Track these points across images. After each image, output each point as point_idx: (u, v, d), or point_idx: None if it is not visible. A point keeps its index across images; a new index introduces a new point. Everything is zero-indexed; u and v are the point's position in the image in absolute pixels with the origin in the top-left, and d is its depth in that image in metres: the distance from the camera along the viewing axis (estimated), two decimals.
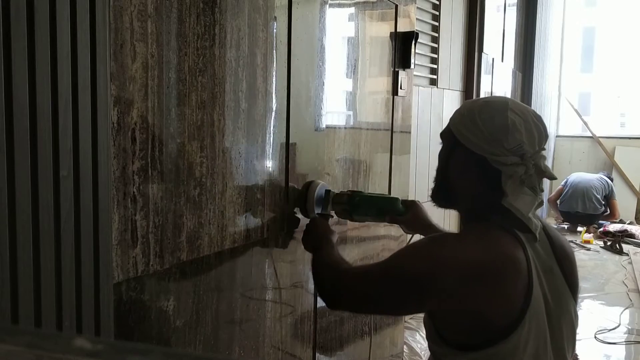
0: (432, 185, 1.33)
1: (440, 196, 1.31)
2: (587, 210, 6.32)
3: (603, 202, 6.43)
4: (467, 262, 1.12)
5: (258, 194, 1.41)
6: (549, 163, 7.45)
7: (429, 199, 1.34)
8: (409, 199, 1.72)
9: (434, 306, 1.18)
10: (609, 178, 6.74)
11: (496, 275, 1.12)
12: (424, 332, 1.32)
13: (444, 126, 1.29)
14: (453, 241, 1.19)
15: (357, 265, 1.30)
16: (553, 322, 1.18)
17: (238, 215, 1.33)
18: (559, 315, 1.19)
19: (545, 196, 7.01)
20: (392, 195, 1.61)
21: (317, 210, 1.60)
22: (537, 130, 1.17)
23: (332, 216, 1.64)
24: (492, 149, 1.15)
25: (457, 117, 1.24)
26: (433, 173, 1.32)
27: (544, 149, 1.19)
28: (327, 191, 1.63)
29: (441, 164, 1.29)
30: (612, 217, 6.55)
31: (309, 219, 1.57)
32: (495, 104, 1.20)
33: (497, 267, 1.12)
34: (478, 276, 1.11)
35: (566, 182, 6.67)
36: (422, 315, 1.30)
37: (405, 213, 1.59)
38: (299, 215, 1.60)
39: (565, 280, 1.23)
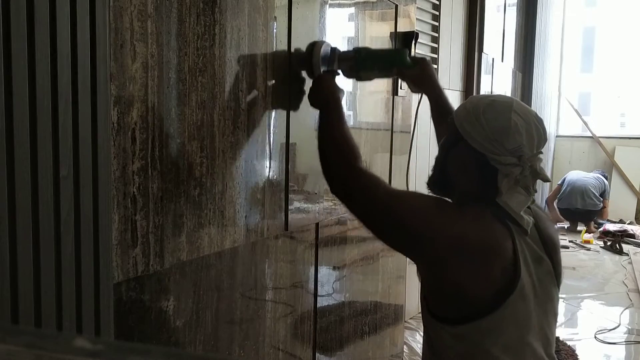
0: (430, 172, 1.37)
1: (436, 184, 1.36)
2: (587, 206, 6.32)
3: (601, 199, 6.44)
4: (459, 237, 1.19)
5: (258, 194, 1.41)
6: (549, 163, 7.48)
7: (426, 185, 1.38)
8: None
9: (415, 259, 1.29)
10: (605, 177, 6.75)
11: (482, 256, 1.19)
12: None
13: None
14: (454, 214, 1.23)
15: (371, 176, 1.30)
16: (539, 308, 1.24)
17: (238, 215, 1.33)
18: (545, 302, 1.26)
19: (543, 196, 7.02)
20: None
21: (323, 69, 1.55)
22: (537, 133, 1.22)
23: (339, 73, 1.59)
24: (492, 148, 1.20)
25: (462, 112, 1.27)
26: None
27: (542, 152, 1.24)
28: (333, 49, 1.57)
29: (441, 154, 1.34)
30: (601, 216, 6.56)
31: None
32: (500, 104, 1.24)
33: (484, 249, 1.19)
34: (466, 252, 1.18)
35: (563, 180, 6.67)
36: (421, 316, 1.34)
37: (413, 67, 1.60)
38: (304, 75, 1.55)
39: (553, 268, 1.29)
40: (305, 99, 1.54)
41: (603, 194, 6.52)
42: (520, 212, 1.21)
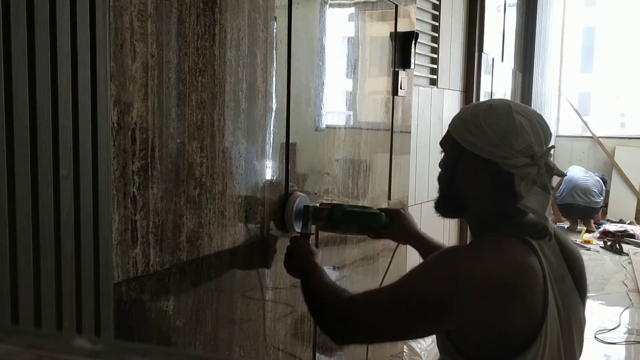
0: (435, 195, 1.29)
1: (448, 206, 1.28)
2: (588, 203, 6.31)
3: (601, 197, 6.44)
4: (484, 277, 1.08)
5: (258, 194, 1.41)
6: None
7: (434, 209, 1.30)
8: (393, 208, 1.67)
9: (451, 326, 1.13)
10: (604, 181, 6.74)
11: (515, 287, 1.09)
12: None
13: (445, 127, 1.27)
14: (467, 255, 1.15)
15: (361, 293, 1.21)
16: (564, 328, 1.17)
17: (238, 215, 1.33)
18: (569, 321, 1.18)
19: None
20: (374, 209, 1.53)
21: (297, 227, 1.51)
22: (542, 129, 1.17)
23: (313, 234, 1.54)
24: (502, 152, 1.14)
25: (459, 124, 1.21)
26: (433, 173, 1.32)
27: (553, 147, 1.19)
28: (306, 207, 1.52)
29: (446, 173, 1.25)
30: (597, 217, 6.56)
31: (288, 237, 1.49)
32: (499, 107, 1.18)
33: (516, 279, 1.09)
34: (497, 290, 1.08)
35: (561, 180, 6.66)
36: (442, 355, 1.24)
37: (390, 226, 1.52)
38: (274, 232, 1.50)
39: (575, 284, 1.22)
40: (277, 258, 1.50)
41: (601, 194, 6.52)
42: (544, 213, 1.14)
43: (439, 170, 1.28)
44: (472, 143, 1.17)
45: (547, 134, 1.17)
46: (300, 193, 1.57)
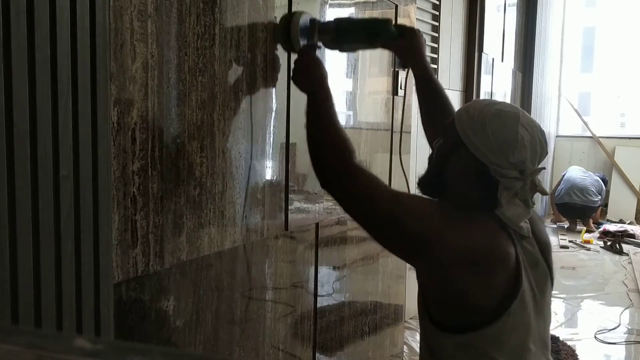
0: (422, 173, 1.34)
1: (430, 187, 1.31)
2: (586, 202, 6.29)
3: (599, 196, 6.42)
4: (466, 245, 1.16)
5: (258, 194, 1.41)
6: (549, 163, 7.48)
7: (417, 185, 1.35)
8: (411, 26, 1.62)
9: (416, 265, 1.27)
10: (604, 181, 6.73)
11: (488, 264, 1.17)
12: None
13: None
14: (460, 221, 1.19)
15: (367, 174, 1.24)
16: (538, 312, 1.24)
17: (238, 215, 1.33)
18: (542, 305, 1.25)
19: (544, 198, 7.01)
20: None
21: (303, 42, 1.44)
22: (540, 148, 1.20)
23: (320, 47, 1.49)
24: (497, 160, 1.17)
25: (465, 118, 1.22)
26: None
27: (544, 168, 1.24)
28: (312, 20, 1.46)
29: (438, 157, 1.29)
30: (596, 216, 6.55)
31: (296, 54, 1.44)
32: (508, 115, 1.20)
33: (488, 257, 1.17)
34: (472, 260, 1.16)
35: (563, 176, 6.65)
36: (420, 324, 1.33)
37: (399, 37, 1.49)
38: (280, 52, 1.45)
39: (548, 270, 1.29)
40: (282, 77, 1.45)
41: (600, 193, 6.50)
42: (519, 224, 1.19)
43: (431, 151, 1.33)
44: (472, 141, 1.19)
45: (543, 153, 1.21)
46: (305, 11, 1.50)
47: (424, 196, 1.29)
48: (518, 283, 1.18)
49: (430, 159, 1.33)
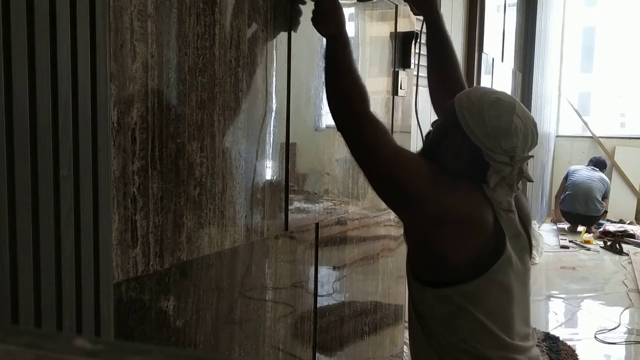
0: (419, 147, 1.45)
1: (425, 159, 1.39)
2: (589, 212, 6.25)
3: (603, 204, 6.39)
4: (448, 206, 1.27)
5: (258, 194, 1.41)
6: (549, 163, 7.49)
7: None
8: None
9: (401, 217, 1.38)
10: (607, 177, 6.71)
11: (464, 227, 1.27)
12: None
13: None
14: (448, 185, 1.29)
15: (378, 126, 1.32)
16: (519, 281, 1.33)
17: (238, 215, 1.33)
18: (523, 272, 1.35)
19: (544, 195, 7.00)
20: None
21: None
22: (532, 138, 1.30)
23: None
24: (489, 144, 1.27)
25: (466, 102, 1.31)
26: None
27: (531, 156, 1.34)
28: None
29: (435, 136, 1.38)
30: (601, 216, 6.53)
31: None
32: (505, 104, 1.29)
33: (467, 222, 1.28)
34: (450, 221, 1.27)
35: (567, 176, 6.60)
36: (406, 279, 1.44)
37: None
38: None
39: (528, 242, 1.38)
40: (305, 22, 1.47)
41: (605, 194, 6.47)
42: (502, 205, 1.29)
43: (430, 128, 1.43)
44: (469, 124, 1.28)
45: (534, 143, 1.31)
46: None
47: (426, 161, 1.35)
48: (500, 249, 1.28)
49: (427, 136, 1.43)
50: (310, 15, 1.43)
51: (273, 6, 1.42)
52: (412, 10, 1.73)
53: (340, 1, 1.45)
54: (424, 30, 1.68)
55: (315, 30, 1.43)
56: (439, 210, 1.26)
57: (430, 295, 1.32)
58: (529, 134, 1.28)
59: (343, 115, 1.35)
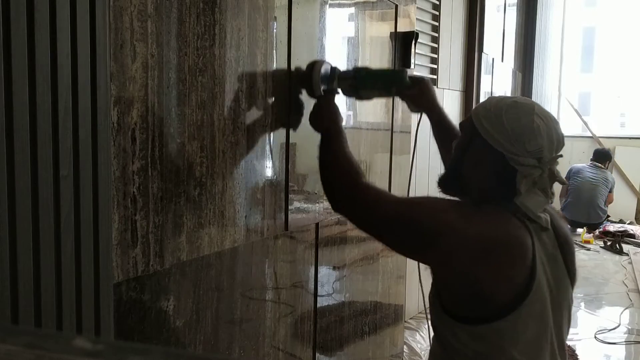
0: (442, 172, 1.38)
1: (449, 183, 1.34)
2: (591, 220, 6.17)
3: (606, 210, 6.32)
4: (476, 235, 1.17)
5: (258, 194, 1.41)
6: None
7: (437, 185, 1.38)
8: (419, 75, 1.75)
9: (430, 261, 1.25)
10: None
11: (500, 255, 1.17)
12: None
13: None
14: (472, 212, 1.22)
15: (374, 188, 1.33)
16: (555, 305, 1.24)
17: (238, 215, 1.33)
18: (560, 301, 1.25)
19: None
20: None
21: (323, 88, 1.56)
22: (556, 137, 1.22)
23: (338, 92, 1.59)
24: (513, 148, 1.20)
25: (482, 111, 1.26)
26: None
27: (561, 156, 1.24)
28: (333, 68, 1.58)
29: (457, 153, 1.32)
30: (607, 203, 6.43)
31: (315, 99, 1.54)
32: (523, 106, 1.24)
33: (503, 249, 1.18)
34: (481, 251, 1.16)
35: (569, 176, 6.49)
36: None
37: (412, 87, 1.61)
38: (304, 97, 1.56)
39: (566, 268, 1.28)
40: (304, 120, 1.54)
41: (610, 190, 6.36)
42: (537, 213, 1.20)
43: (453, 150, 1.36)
44: (488, 131, 1.22)
45: (560, 142, 1.23)
46: (325, 60, 1.62)
47: (437, 196, 1.31)
48: (533, 276, 1.18)
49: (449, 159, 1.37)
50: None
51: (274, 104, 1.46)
52: (410, 108, 1.72)
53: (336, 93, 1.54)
54: (422, 119, 1.70)
55: (315, 34, 1.44)
56: (468, 239, 1.17)
57: (464, 333, 1.21)
58: (553, 133, 1.21)
59: (339, 192, 1.36)
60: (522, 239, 1.18)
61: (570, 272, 1.29)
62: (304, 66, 1.56)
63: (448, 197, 1.33)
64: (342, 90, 1.60)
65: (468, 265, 1.17)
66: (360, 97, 1.64)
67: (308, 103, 1.55)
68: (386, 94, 1.66)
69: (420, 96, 1.63)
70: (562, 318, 1.27)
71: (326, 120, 1.46)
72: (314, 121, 1.49)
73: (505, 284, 1.18)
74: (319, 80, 1.55)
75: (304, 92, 1.56)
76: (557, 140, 1.22)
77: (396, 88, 1.60)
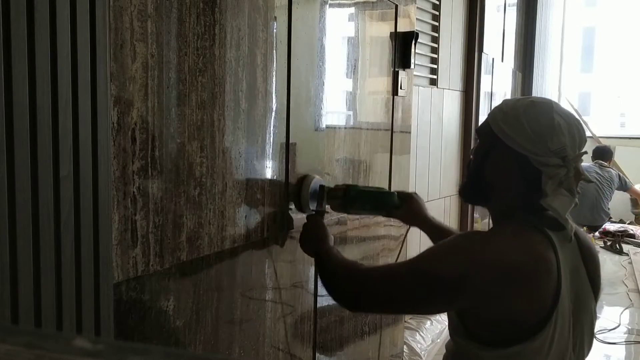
0: (464, 180, 1.33)
1: (472, 192, 1.31)
2: (594, 222, 6.14)
3: (608, 212, 6.28)
4: (496, 263, 1.12)
5: (258, 194, 1.41)
6: None
7: (457, 194, 1.35)
8: (407, 191, 1.71)
9: (464, 306, 1.18)
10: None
11: (528, 276, 1.12)
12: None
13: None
14: (485, 240, 1.17)
15: (379, 266, 1.31)
16: (575, 319, 1.20)
17: (238, 215, 1.33)
18: (581, 314, 1.21)
19: None
20: (390, 189, 1.62)
21: (312, 206, 1.58)
22: (578, 134, 1.17)
23: (328, 212, 1.61)
24: (535, 149, 1.15)
25: (499, 114, 1.22)
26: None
27: (585, 152, 1.20)
28: (322, 186, 1.59)
29: (476, 160, 1.27)
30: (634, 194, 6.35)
31: (305, 215, 1.55)
32: (541, 104, 1.20)
33: (530, 268, 1.12)
34: (510, 277, 1.11)
35: None
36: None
37: (401, 207, 1.59)
38: (293, 213, 1.57)
39: (589, 280, 1.25)
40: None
41: (620, 188, 6.30)
42: (565, 215, 1.16)
43: (471, 157, 1.31)
44: (508, 135, 1.18)
45: (582, 139, 1.18)
46: (316, 176, 1.63)
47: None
48: (558, 290, 1.14)
49: (469, 165, 1.30)
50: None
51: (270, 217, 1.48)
52: (402, 221, 1.71)
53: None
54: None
55: (315, 34, 1.44)
56: (494, 270, 1.11)
57: (490, 357, 1.17)
58: (574, 130, 1.16)
59: (353, 304, 1.33)
60: (545, 254, 1.14)
61: (594, 285, 1.25)
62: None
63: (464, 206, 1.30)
64: (331, 207, 1.60)
65: (496, 297, 1.12)
66: (349, 214, 1.66)
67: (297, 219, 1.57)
68: (375, 214, 1.69)
69: (409, 214, 1.60)
70: (582, 330, 1.23)
71: (314, 245, 1.44)
72: (303, 245, 1.49)
73: (534, 306, 1.14)
74: (309, 197, 1.57)
75: (292, 206, 1.57)
76: (579, 137, 1.17)
77: (385, 209, 1.60)
